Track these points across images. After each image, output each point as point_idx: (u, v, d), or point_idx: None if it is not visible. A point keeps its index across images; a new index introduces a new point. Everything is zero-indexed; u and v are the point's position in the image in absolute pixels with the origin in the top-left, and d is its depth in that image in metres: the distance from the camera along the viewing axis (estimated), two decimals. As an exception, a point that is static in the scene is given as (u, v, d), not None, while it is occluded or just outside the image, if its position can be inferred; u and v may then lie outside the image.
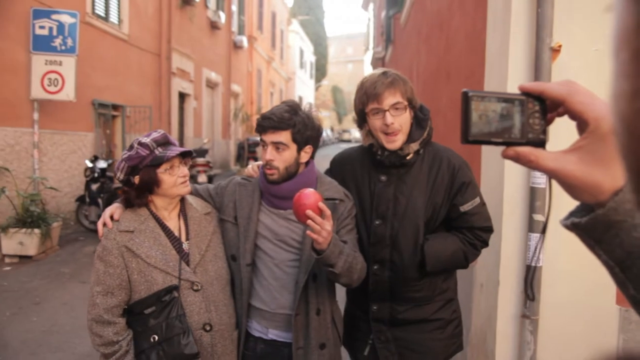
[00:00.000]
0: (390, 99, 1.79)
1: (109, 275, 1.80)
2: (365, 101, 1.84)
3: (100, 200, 7.91)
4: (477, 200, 1.87)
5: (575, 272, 2.31)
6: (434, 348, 1.93)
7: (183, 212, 1.96)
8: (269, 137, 1.85)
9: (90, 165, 8.04)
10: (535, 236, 2.30)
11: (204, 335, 1.84)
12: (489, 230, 1.92)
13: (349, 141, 48.58)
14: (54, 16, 7.32)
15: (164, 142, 1.86)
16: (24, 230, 6.66)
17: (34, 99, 7.41)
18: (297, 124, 1.84)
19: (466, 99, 0.69)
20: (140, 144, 1.83)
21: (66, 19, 7.34)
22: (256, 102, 23.08)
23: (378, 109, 1.81)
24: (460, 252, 1.86)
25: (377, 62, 14.27)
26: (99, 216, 7.97)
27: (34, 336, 4.40)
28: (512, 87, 2.34)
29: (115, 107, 10.19)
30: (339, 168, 2.06)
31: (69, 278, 6.08)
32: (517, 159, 0.73)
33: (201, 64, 15.17)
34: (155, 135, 1.87)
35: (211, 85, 16.93)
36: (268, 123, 1.85)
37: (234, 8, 18.89)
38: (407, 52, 7.14)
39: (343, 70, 63.48)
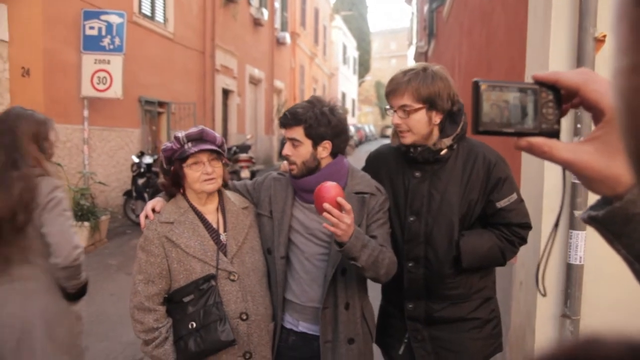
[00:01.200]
0: (398, 100, 1.81)
1: (150, 264, 1.86)
2: (387, 99, 1.88)
3: (146, 195, 8.13)
4: (514, 196, 1.83)
5: (619, 271, 2.21)
6: (471, 348, 1.90)
7: (221, 206, 2.01)
8: (287, 133, 1.92)
9: (136, 160, 8.28)
10: (576, 233, 2.23)
11: (241, 324, 1.88)
12: (527, 227, 1.88)
13: (392, 137, 48.22)
14: (103, 17, 7.58)
15: (197, 138, 1.90)
16: (74, 223, 6.93)
17: (84, 96, 7.70)
18: (309, 119, 1.86)
19: (477, 89, 0.67)
20: (175, 137, 1.91)
21: (114, 19, 7.58)
22: (299, 98, 23.22)
23: (391, 107, 1.85)
24: (497, 248, 1.83)
25: (419, 56, 14.10)
26: (145, 210, 8.23)
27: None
28: (553, 80, 2.27)
29: (160, 104, 10.46)
30: (374, 164, 2.07)
31: (116, 270, 6.30)
32: (530, 149, 0.71)
33: (244, 61, 15.36)
34: (192, 130, 1.92)
35: (254, 81, 17.13)
36: (283, 119, 1.92)
37: (277, 5, 19.03)
38: (449, 46, 7.03)
39: (386, 65, 62.95)
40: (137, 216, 8.46)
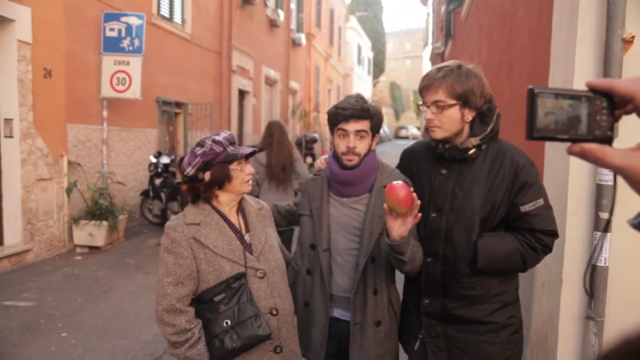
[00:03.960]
0: (431, 96, 1.82)
1: (179, 266, 1.87)
2: (420, 94, 1.90)
3: (163, 195, 8.22)
4: (541, 202, 1.80)
5: (645, 275, 2.20)
6: (485, 351, 1.88)
7: (240, 207, 2.06)
8: (352, 126, 1.98)
9: (154, 160, 8.36)
10: (601, 235, 2.21)
11: (271, 319, 1.94)
12: (552, 234, 1.84)
13: (406, 138, 48.05)
14: (123, 19, 7.67)
15: (233, 141, 1.97)
16: (93, 222, 7.03)
17: (103, 97, 7.79)
18: (374, 114, 2.00)
19: (532, 96, 0.69)
20: (214, 141, 1.92)
21: (134, 21, 7.66)
22: (314, 99, 23.24)
23: (424, 103, 1.86)
24: (517, 253, 1.80)
25: (436, 57, 14.03)
26: (161, 210, 8.31)
27: (102, 322, 4.64)
28: (579, 81, 2.25)
29: (177, 104, 10.54)
30: (407, 160, 2.11)
31: (134, 269, 6.37)
32: (583, 155, 0.72)
33: (260, 62, 15.42)
34: (225, 134, 1.97)
35: (270, 82, 17.19)
36: (351, 112, 1.98)
37: (293, 6, 19.08)
38: (468, 48, 6.99)
39: (401, 66, 62.77)
40: (154, 216, 8.55)
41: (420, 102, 1.88)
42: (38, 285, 5.60)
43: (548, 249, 1.85)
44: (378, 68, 45.84)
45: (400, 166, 2.11)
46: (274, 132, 4.53)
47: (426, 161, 1.96)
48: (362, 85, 39.95)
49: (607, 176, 2.17)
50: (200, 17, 11.37)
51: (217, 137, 1.93)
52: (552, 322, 2.45)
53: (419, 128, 45.20)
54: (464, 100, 1.79)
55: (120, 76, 7.70)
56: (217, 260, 1.90)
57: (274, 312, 1.95)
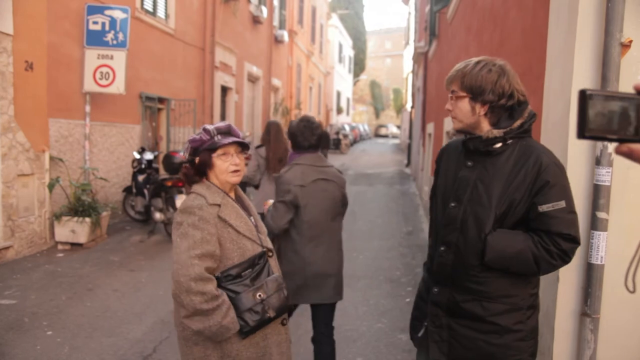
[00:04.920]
0: (449, 86, 1.91)
1: (206, 242, 1.95)
2: None
3: (146, 191, 8.12)
4: (562, 204, 1.76)
5: (638, 272, 2.25)
6: (484, 351, 1.86)
7: (237, 196, 2.21)
8: None
9: (138, 156, 8.25)
10: (598, 234, 2.26)
11: (287, 292, 2.14)
12: (570, 239, 1.77)
13: (385, 136, 48.28)
14: (106, 12, 7.54)
15: (226, 132, 2.08)
16: (75, 218, 6.92)
17: (86, 92, 7.66)
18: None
19: (583, 97, 0.72)
20: (204, 129, 2.06)
21: (118, 15, 7.54)
22: (295, 97, 23.20)
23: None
24: (529, 253, 1.76)
25: (419, 56, 14.13)
26: (145, 207, 8.21)
27: (89, 320, 4.57)
28: (578, 83, 2.30)
29: (160, 100, 10.41)
30: (441, 153, 2.14)
31: (118, 266, 6.28)
32: (629, 155, 0.75)
33: (243, 58, 15.34)
34: (220, 124, 2.10)
35: (252, 79, 17.10)
36: None
37: (276, 2, 19.00)
38: (454, 47, 7.05)
39: (381, 65, 63.01)
40: (137, 212, 8.45)
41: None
42: (20, 282, 5.49)
43: (565, 255, 1.78)
44: (359, 66, 45.96)
45: (437, 161, 2.14)
46: (272, 130, 5.19)
47: (457, 154, 1.99)
48: (343, 84, 40.01)
49: (604, 176, 2.22)
50: (184, 11, 11.25)
51: (208, 126, 2.07)
52: (547, 319, 2.49)
53: (398, 127, 45.44)
54: (473, 94, 1.82)
55: (104, 70, 7.58)
56: (240, 239, 2.03)
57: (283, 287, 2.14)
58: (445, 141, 7.48)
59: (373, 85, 58.43)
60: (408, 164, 20.35)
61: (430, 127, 10.53)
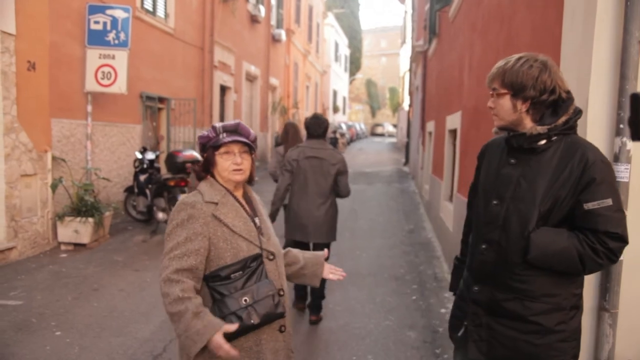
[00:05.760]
0: (491, 83, 1.90)
1: (190, 241, 1.91)
2: None
3: (148, 191, 8.10)
4: (609, 202, 1.72)
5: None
6: (525, 351, 1.83)
7: (245, 195, 2.17)
8: None
9: (139, 156, 8.23)
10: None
11: (280, 299, 2.03)
12: (617, 238, 1.73)
13: (382, 135, 48.33)
14: (108, 11, 7.52)
15: (233, 130, 2.07)
16: (78, 219, 6.90)
17: (88, 91, 7.64)
18: None
19: (636, 101, 0.74)
20: (212, 127, 2.07)
21: (119, 14, 7.52)
22: (292, 96, 23.19)
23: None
24: (574, 251, 1.73)
25: (418, 55, 14.15)
26: (147, 207, 8.19)
27: (97, 320, 4.57)
28: (596, 82, 2.32)
29: (161, 99, 10.40)
30: (484, 150, 2.11)
31: (123, 266, 6.27)
32: None
33: (241, 58, 15.33)
34: (228, 122, 2.09)
35: (250, 78, 17.09)
36: None
37: (273, 1, 19.00)
38: (456, 46, 7.07)
39: (377, 63, 63.08)
40: (138, 212, 8.44)
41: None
42: (25, 283, 5.48)
43: (612, 254, 1.74)
44: (355, 65, 46.00)
45: (479, 158, 2.12)
46: (290, 131, 5.69)
47: (499, 151, 1.96)
48: (339, 83, 40.03)
49: (622, 173, 2.24)
50: (184, 11, 11.23)
51: (216, 124, 2.07)
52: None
53: (395, 125, 45.50)
54: (514, 91, 1.81)
55: (106, 70, 7.56)
56: (235, 239, 1.97)
57: (281, 293, 2.05)
58: (447, 138, 7.50)
59: (369, 84, 58.51)
60: (406, 163, 20.39)
61: (430, 126, 10.55)
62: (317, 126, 4.62)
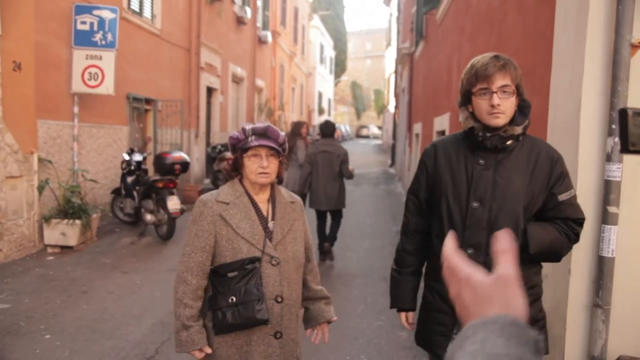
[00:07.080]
0: (500, 81, 1.80)
1: (197, 237, 2.05)
2: (474, 81, 1.84)
3: (135, 193, 8.03)
4: (573, 191, 1.90)
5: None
6: None
7: (272, 197, 2.18)
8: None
9: (127, 158, 8.16)
10: (609, 228, 2.33)
11: (275, 305, 2.06)
12: (581, 223, 1.92)
13: (367, 137, 48.47)
14: (95, 12, 7.45)
15: (261, 133, 2.08)
16: (65, 221, 6.82)
17: (74, 92, 7.56)
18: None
19: (624, 115, 0.80)
20: (242, 129, 2.11)
21: (107, 15, 7.46)
22: (278, 97, 23.17)
23: (486, 90, 1.81)
24: (558, 242, 1.84)
25: (404, 57, 14.23)
26: (134, 208, 8.12)
27: (87, 323, 4.52)
28: (589, 84, 2.37)
29: (147, 101, 10.32)
30: (432, 155, 2.03)
31: (111, 268, 6.22)
32: None
33: (228, 59, 15.27)
34: (258, 125, 2.11)
35: (236, 80, 17.04)
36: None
37: (259, 3, 18.96)
38: (443, 49, 7.14)
39: (362, 66, 63.26)
40: (125, 214, 8.36)
41: (484, 87, 1.82)
42: (11, 286, 5.40)
43: (578, 238, 1.92)
44: (340, 67, 46.08)
45: (424, 160, 2.05)
46: (296, 128, 7.61)
47: (458, 153, 1.94)
48: (325, 85, 40.08)
49: (615, 172, 2.29)
50: (170, 12, 11.17)
51: (246, 126, 2.11)
52: (558, 311, 2.56)
53: (380, 127, 45.66)
54: (518, 89, 1.84)
55: (93, 71, 7.49)
56: (237, 239, 2.04)
57: (279, 300, 2.06)
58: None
59: (354, 86, 58.63)
60: (392, 164, 20.47)
61: (417, 127, 10.62)
62: (328, 128, 6.87)
